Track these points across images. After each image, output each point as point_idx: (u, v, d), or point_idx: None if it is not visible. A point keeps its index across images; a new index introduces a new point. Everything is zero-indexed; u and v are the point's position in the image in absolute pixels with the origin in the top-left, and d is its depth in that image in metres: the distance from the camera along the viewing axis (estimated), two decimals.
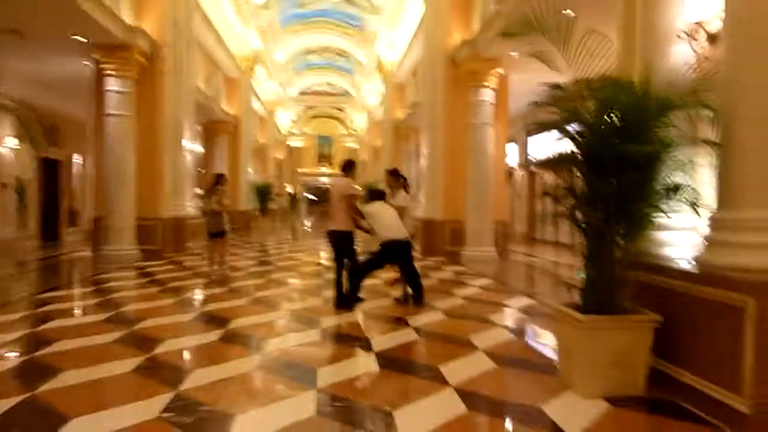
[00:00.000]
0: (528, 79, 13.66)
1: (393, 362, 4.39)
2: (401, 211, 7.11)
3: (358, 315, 6.22)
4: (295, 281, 8.91)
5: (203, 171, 20.64)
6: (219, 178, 9.64)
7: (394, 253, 6.71)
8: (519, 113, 16.71)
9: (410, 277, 6.94)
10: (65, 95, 15.17)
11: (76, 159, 18.19)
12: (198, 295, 7.58)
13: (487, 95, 11.99)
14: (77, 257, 12.12)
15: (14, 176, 14.71)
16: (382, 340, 5.04)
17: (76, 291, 7.90)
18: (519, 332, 5.65)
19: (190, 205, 13.50)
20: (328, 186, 7.45)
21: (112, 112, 11.28)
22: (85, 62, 11.82)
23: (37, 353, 4.51)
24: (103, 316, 5.95)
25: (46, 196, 16.28)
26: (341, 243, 6.70)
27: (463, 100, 12.22)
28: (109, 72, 11.20)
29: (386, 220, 6.69)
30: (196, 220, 13.53)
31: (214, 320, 5.88)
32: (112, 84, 11.25)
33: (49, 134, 16.06)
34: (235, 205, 20.89)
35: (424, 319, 5.97)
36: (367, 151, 34.45)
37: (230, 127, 21.50)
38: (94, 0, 9.51)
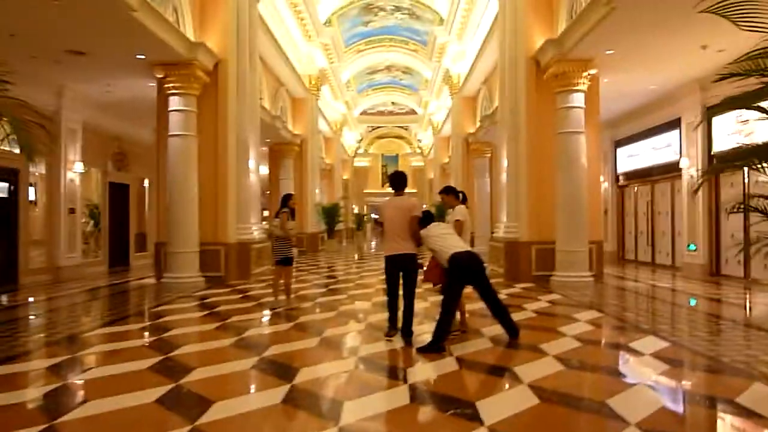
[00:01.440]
0: (620, 80, 12.26)
1: None
2: (459, 226, 6.32)
3: (450, 362, 5.04)
4: (369, 313, 7.81)
5: (268, 193, 20.18)
6: (285, 200, 8.83)
7: (465, 268, 5.71)
8: (606, 121, 15.15)
9: (496, 308, 5.96)
10: (133, 118, 14.99)
11: (147, 183, 18.04)
12: (261, 332, 6.64)
13: (578, 100, 10.61)
14: (140, 285, 11.59)
15: (87, 201, 14.56)
16: (493, 406, 3.84)
17: (129, 327, 7.06)
18: (677, 395, 4.25)
19: (256, 228, 12.77)
20: (381, 205, 6.84)
21: (174, 132, 10.75)
22: (150, 83, 11.42)
23: (59, 420, 3.61)
24: (149, 362, 5.05)
25: (115, 221, 16.07)
26: (409, 267, 6.03)
27: (550, 107, 10.93)
28: (171, 91, 10.70)
29: (447, 238, 5.91)
30: (261, 245, 12.81)
31: (277, 370, 4.86)
32: (174, 103, 10.74)
33: (116, 158, 15.94)
34: (303, 227, 20.28)
35: (537, 370, 4.70)
36: (433, 169, 33.39)
37: (297, 148, 20.97)
38: (156, 16, 8.99)
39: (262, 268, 12.74)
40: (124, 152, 16.28)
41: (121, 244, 16.40)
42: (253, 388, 4.40)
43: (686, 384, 4.45)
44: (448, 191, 6.87)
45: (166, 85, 10.71)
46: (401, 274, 6.04)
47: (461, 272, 5.72)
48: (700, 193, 12.55)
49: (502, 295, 9.44)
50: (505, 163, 12.29)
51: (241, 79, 12.07)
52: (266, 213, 21.64)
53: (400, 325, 6.04)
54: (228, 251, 11.59)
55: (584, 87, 10.61)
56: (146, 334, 6.55)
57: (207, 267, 11.18)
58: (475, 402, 3.87)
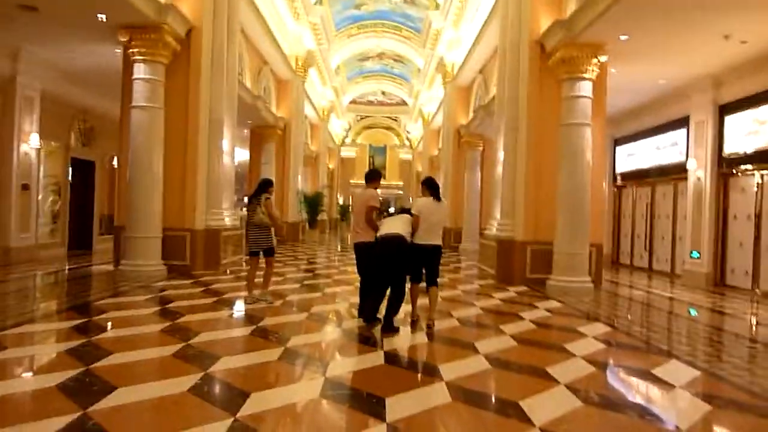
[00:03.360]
0: (629, 72, 11.33)
1: None
2: (414, 220, 6.34)
3: (439, 389, 4.08)
4: (345, 317, 6.84)
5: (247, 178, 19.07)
6: (266, 186, 7.79)
7: (387, 249, 6.04)
8: (606, 117, 14.24)
9: (391, 299, 6.05)
10: (100, 89, 13.76)
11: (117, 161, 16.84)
12: (214, 338, 5.57)
13: (585, 89, 9.65)
14: (95, 272, 10.48)
15: (53, 178, 13.41)
16: None
17: (55, 326, 5.91)
18: None
19: (228, 215, 11.70)
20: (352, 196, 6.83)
21: (138, 103, 9.62)
22: (117, 50, 10.33)
23: None
24: (55, 378, 3.99)
25: (77, 200, 14.88)
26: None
27: (554, 95, 9.98)
28: (136, 57, 9.57)
29: (388, 225, 6.32)
30: (233, 233, 11.76)
31: (221, 395, 3.89)
32: (139, 70, 9.61)
33: (82, 132, 14.73)
34: (283, 216, 19.20)
35: (549, 407, 3.77)
36: (422, 161, 32.41)
37: (279, 132, 19.82)
38: None
39: (233, 259, 11.71)
40: (91, 126, 15.06)
41: (84, 225, 15.23)
42: (184, 422, 3.37)
43: None
44: (423, 183, 6.82)
45: (130, 50, 9.58)
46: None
47: (382, 257, 6.07)
48: (707, 197, 11.73)
49: (495, 299, 8.57)
50: (501, 155, 11.33)
51: (217, 51, 10.98)
52: (246, 199, 20.47)
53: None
54: (194, 238, 10.51)
55: (593, 75, 9.67)
56: (72, 335, 5.43)
57: (171, 255, 10.13)
58: None
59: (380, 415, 3.50)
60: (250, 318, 6.56)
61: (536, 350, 5.44)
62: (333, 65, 28.36)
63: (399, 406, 3.69)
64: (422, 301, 6.55)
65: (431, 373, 4.52)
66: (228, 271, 10.80)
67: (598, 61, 9.61)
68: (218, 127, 11.16)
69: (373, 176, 6.94)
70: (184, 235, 10.39)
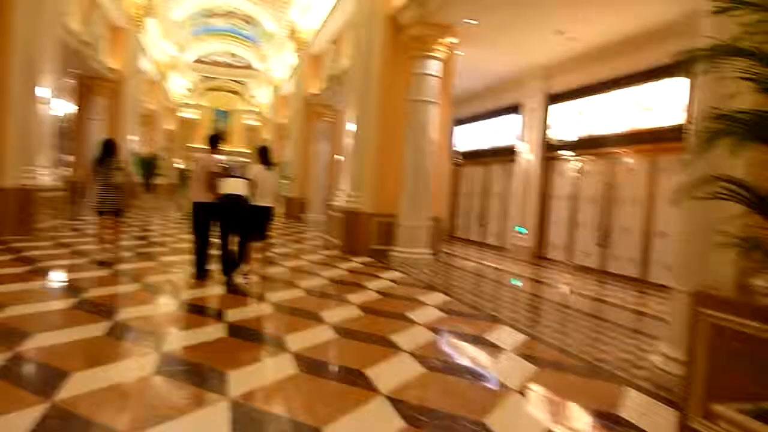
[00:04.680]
0: (474, 57, 11.94)
1: None
2: (253, 185, 7.04)
3: (286, 362, 3.98)
4: (182, 287, 6.42)
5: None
6: (114, 146, 7.76)
7: (230, 206, 6.75)
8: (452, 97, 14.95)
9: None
10: None
11: None
12: (27, 311, 4.86)
13: (435, 67, 10.02)
14: None
15: None
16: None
17: None
18: (557, 408, 3.67)
19: (47, 173, 10.33)
20: (195, 160, 7.43)
21: None
22: None
23: None
24: None
25: None
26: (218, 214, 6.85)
27: (405, 71, 10.18)
28: None
29: (229, 186, 6.83)
30: (52, 194, 10.45)
31: (38, 378, 3.41)
32: None
33: None
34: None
35: (394, 375, 3.86)
36: (270, 129, 31.54)
37: (112, 86, 17.93)
38: None
39: (52, 223, 10.41)
40: None
41: None
42: None
43: (565, 394, 3.86)
44: (257, 151, 7.48)
45: None
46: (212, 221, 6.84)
47: (221, 213, 6.76)
48: (533, 178, 12.88)
49: (341, 270, 8.64)
50: (351, 127, 11.37)
51: None
52: (65, 157, 18.24)
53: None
54: (3, 198, 9.16)
55: (442, 55, 10.03)
56: None
57: None
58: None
59: (221, 390, 3.30)
60: (72, 289, 5.88)
61: (380, 319, 5.56)
62: (176, 17, 26.25)
63: (242, 379, 3.53)
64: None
65: (276, 344, 4.40)
66: (48, 237, 9.60)
67: (448, 42, 9.99)
68: (35, 72, 9.76)
69: (215, 141, 7.29)
70: None
